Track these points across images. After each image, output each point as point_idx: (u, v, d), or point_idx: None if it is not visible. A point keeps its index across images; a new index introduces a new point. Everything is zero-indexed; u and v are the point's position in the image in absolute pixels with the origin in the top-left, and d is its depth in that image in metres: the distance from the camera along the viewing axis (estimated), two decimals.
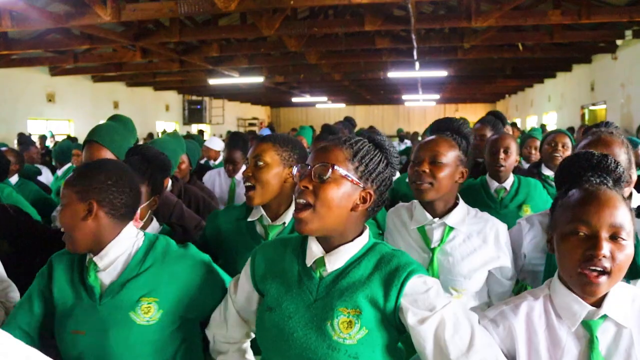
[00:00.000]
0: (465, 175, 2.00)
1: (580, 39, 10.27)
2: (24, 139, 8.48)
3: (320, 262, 1.43)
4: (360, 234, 1.46)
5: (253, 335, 1.64)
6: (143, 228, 2.12)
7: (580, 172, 1.43)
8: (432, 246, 1.95)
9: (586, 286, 1.27)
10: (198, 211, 3.16)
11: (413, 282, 1.36)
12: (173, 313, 1.64)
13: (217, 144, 6.31)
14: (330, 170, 1.37)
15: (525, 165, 4.35)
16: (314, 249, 1.44)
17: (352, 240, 1.44)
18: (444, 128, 2.09)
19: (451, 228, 1.96)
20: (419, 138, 9.80)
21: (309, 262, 1.44)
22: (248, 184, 1.98)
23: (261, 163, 1.96)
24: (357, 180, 1.40)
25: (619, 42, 10.82)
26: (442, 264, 1.92)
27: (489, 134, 3.79)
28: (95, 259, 1.63)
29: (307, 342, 1.36)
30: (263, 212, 2.02)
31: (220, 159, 6.12)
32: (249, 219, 2.06)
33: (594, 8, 7.96)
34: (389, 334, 1.38)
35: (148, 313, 1.60)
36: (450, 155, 1.94)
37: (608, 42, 11.13)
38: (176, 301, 1.64)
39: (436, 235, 1.96)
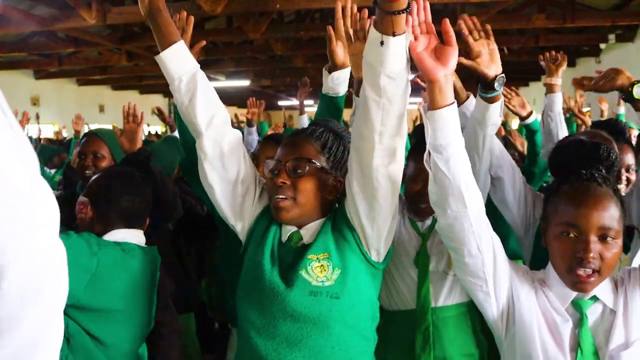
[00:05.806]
0: None
1: (565, 42, 10.35)
2: None
3: (294, 235, 1.52)
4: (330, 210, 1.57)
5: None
6: None
7: (572, 164, 1.44)
8: (422, 231, 1.95)
9: (577, 284, 1.31)
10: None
11: None
12: None
13: None
14: (307, 165, 1.45)
15: None
16: (288, 227, 1.53)
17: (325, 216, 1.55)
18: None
19: None
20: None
21: (284, 238, 1.53)
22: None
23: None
24: (330, 171, 1.49)
25: (602, 46, 10.93)
26: (433, 245, 1.91)
27: None
28: None
29: (289, 294, 1.42)
30: None
31: None
32: None
33: (578, 12, 8.03)
34: (360, 270, 1.47)
35: None
36: None
37: (592, 46, 11.25)
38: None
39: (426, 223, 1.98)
